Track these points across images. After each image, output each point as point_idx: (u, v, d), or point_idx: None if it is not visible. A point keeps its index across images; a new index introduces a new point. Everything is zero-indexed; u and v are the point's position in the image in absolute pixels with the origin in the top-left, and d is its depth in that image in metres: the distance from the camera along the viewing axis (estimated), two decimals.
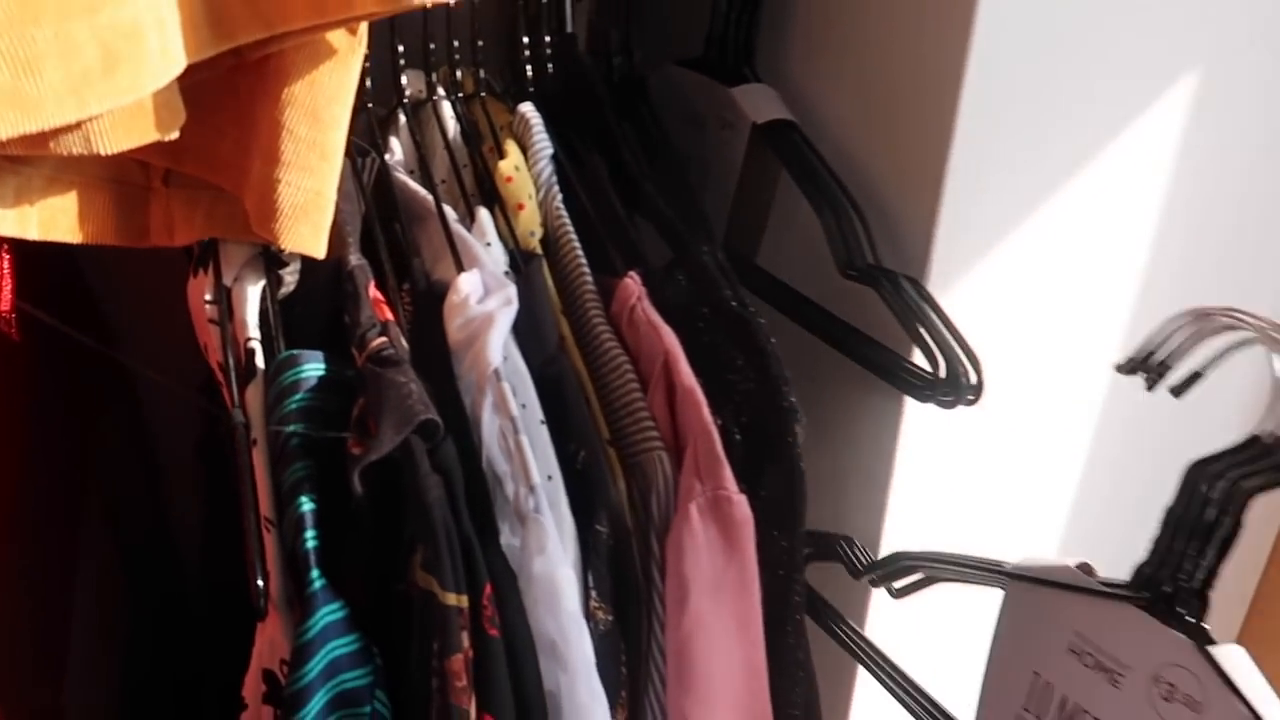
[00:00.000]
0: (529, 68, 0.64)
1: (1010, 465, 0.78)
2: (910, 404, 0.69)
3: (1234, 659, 0.41)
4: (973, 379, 0.60)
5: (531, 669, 0.46)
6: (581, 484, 0.50)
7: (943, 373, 0.60)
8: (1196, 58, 0.70)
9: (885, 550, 0.73)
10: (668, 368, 0.51)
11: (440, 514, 0.43)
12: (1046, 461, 0.80)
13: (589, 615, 0.49)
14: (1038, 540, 0.84)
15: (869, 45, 0.67)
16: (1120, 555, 0.80)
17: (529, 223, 0.58)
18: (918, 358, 0.61)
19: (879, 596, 0.68)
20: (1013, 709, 0.50)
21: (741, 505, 0.49)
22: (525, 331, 0.53)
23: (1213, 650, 0.41)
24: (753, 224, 0.73)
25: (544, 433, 0.50)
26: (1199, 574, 0.42)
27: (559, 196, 0.59)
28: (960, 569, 0.57)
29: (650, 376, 0.52)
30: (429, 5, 0.43)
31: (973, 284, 0.68)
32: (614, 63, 0.67)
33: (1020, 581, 0.49)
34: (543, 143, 0.60)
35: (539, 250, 0.58)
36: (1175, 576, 0.43)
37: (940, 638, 0.76)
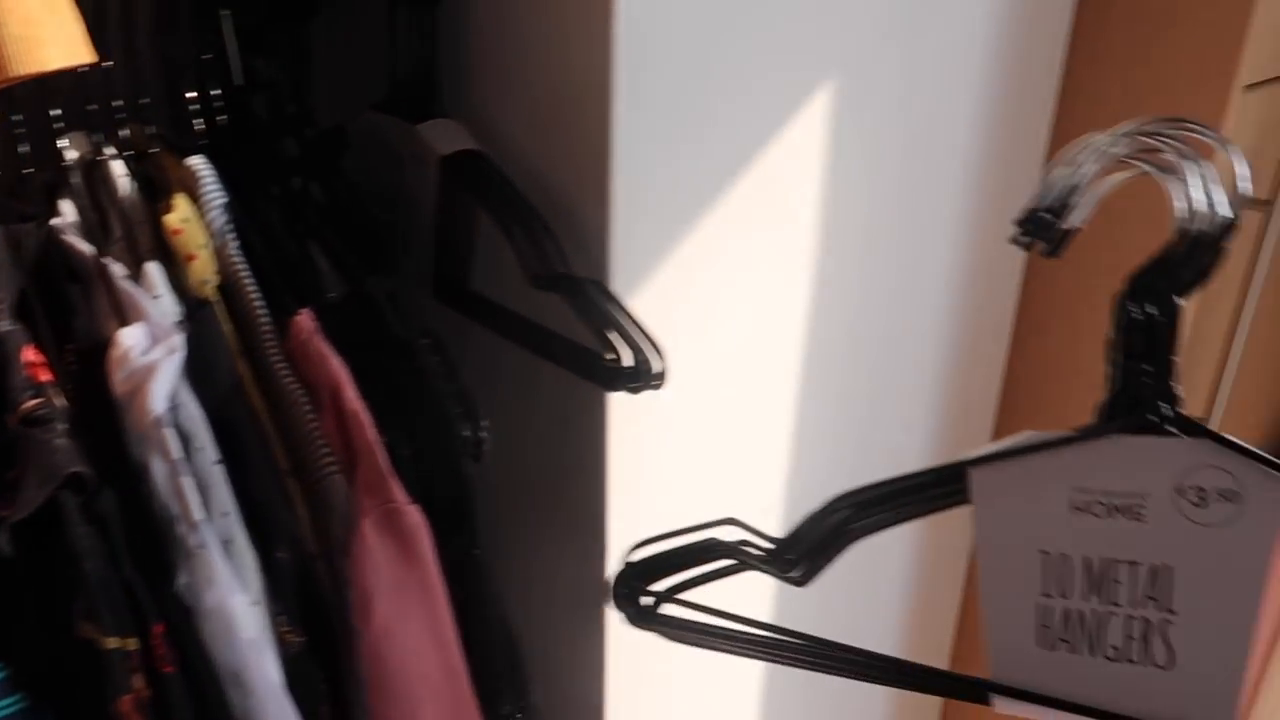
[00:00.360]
0: (199, 121, 0.66)
1: (717, 439, 0.83)
2: (616, 399, 0.74)
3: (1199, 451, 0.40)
4: (655, 366, 0.66)
5: (214, 699, 0.47)
6: (261, 515, 0.52)
7: (628, 362, 0.65)
8: (837, 57, 0.78)
9: (613, 533, 0.78)
10: (335, 394, 0.54)
11: (92, 564, 0.44)
12: (753, 432, 0.86)
13: (280, 639, 0.51)
14: (757, 505, 0.90)
15: (533, 69, 0.72)
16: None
17: (201, 272, 0.59)
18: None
19: None
20: (1030, 604, 0.45)
21: (412, 515, 0.52)
22: (199, 376, 0.55)
23: (1229, 437, 0.40)
24: (460, 250, 0.77)
25: (219, 472, 0.52)
26: (1162, 383, 0.42)
27: (235, 244, 0.61)
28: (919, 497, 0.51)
29: (323, 405, 0.55)
30: (77, 67, 0.44)
31: (654, 278, 0.73)
32: (287, 111, 0.69)
33: (989, 468, 0.45)
34: (214, 193, 0.61)
35: (214, 297, 0.59)
36: (1144, 393, 0.41)
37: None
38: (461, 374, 0.61)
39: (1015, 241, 0.43)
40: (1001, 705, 0.44)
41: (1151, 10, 0.96)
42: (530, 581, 0.89)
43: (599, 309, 0.66)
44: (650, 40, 0.66)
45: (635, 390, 0.65)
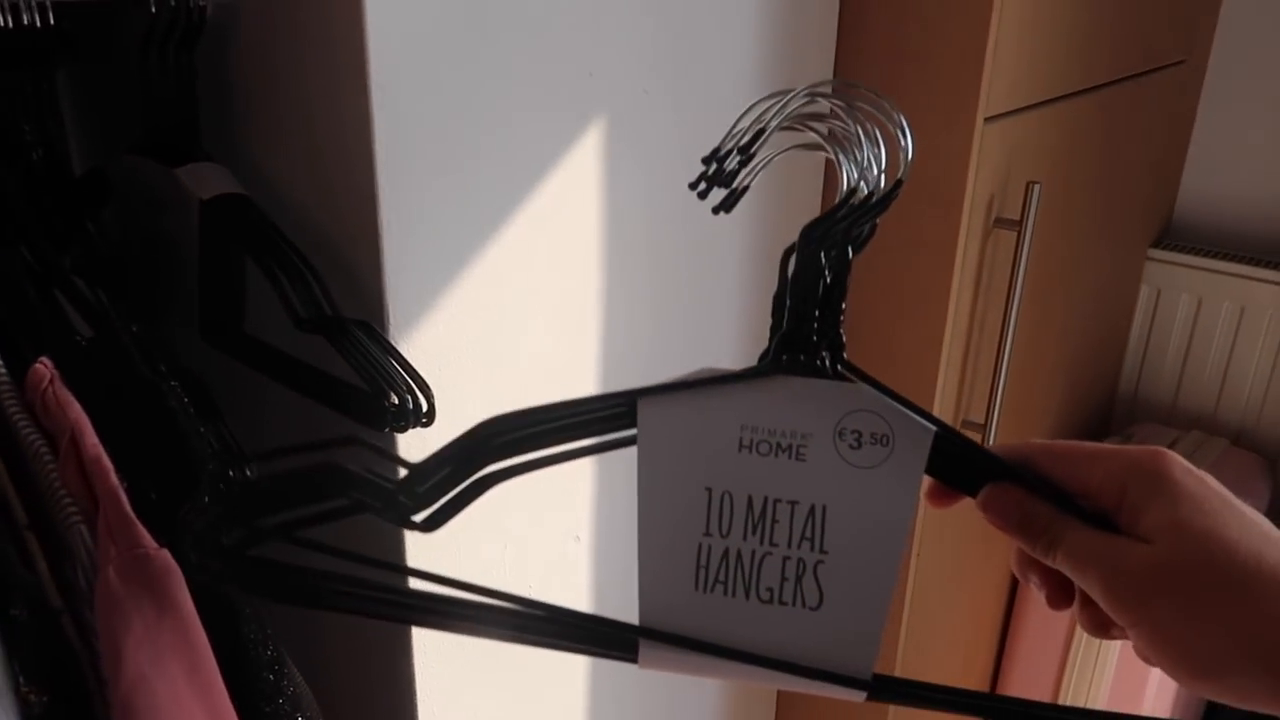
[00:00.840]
0: None
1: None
2: (404, 439, 0.74)
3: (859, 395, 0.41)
4: (421, 404, 0.66)
5: None
6: None
7: (394, 402, 0.65)
8: (602, 93, 0.81)
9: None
10: (74, 440, 0.52)
11: None
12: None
13: (20, 699, 0.49)
14: (564, 529, 0.92)
15: (295, 112, 0.72)
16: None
17: None
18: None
19: None
20: (691, 544, 0.43)
21: (161, 559, 0.51)
22: None
23: (884, 385, 0.41)
24: (228, 292, 0.76)
25: None
26: (830, 329, 0.42)
27: None
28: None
29: (63, 453, 0.53)
30: None
31: (433, 316, 0.74)
32: (35, 156, 0.67)
33: (659, 399, 0.44)
34: None
35: None
36: (812, 337, 0.42)
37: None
38: (222, 415, 0.60)
39: (694, 187, 0.46)
40: (648, 656, 0.44)
41: (902, 49, 1.04)
42: (325, 623, 0.87)
43: (363, 349, 0.66)
44: (406, 83, 0.67)
45: (402, 429, 0.65)
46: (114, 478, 0.51)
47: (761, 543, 0.43)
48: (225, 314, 0.75)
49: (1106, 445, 0.42)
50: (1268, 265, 1.54)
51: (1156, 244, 1.62)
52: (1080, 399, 1.55)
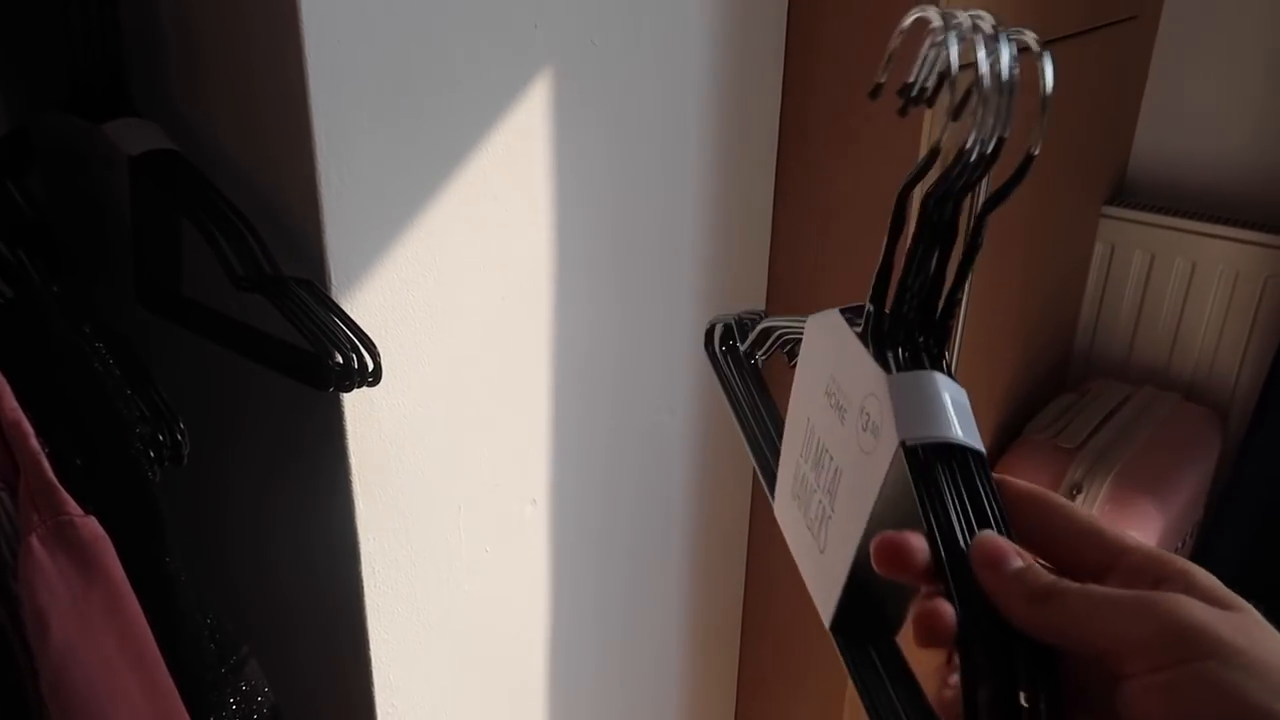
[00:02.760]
0: None
1: (464, 428, 0.83)
2: (349, 399, 0.72)
3: (917, 384, 0.40)
4: (368, 363, 0.64)
5: None
6: None
7: (338, 361, 0.63)
8: (544, 51, 0.79)
9: (366, 540, 0.76)
10: None
11: None
12: (500, 417, 0.86)
13: None
14: (516, 493, 0.90)
15: (227, 65, 0.69)
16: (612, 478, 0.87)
17: None
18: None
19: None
20: (793, 458, 0.49)
21: (88, 525, 0.49)
22: None
23: (898, 376, 0.40)
24: (164, 253, 0.73)
25: None
26: (914, 301, 0.41)
27: None
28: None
29: None
30: None
31: (377, 274, 0.72)
32: None
33: (814, 324, 0.47)
34: None
35: None
36: (899, 308, 0.41)
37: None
38: (152, 378, 0.58)
39: (875, 95, 0.42)
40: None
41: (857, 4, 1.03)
42: (279, 591, 0.85)
43: (305, 308, 0.64)
44: (343, 31, 0.65)
45: (347, 388, 0.63)
46: (34, 442, 0.49)
47: (817, 480, 0.46)
48: (161, 275, 0.73)
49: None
50: (1219, 221, 1.55)
51: (1110, 201, 1.63)
52: (1036, 355, 1.56)
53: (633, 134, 0.90)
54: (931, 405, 0.39)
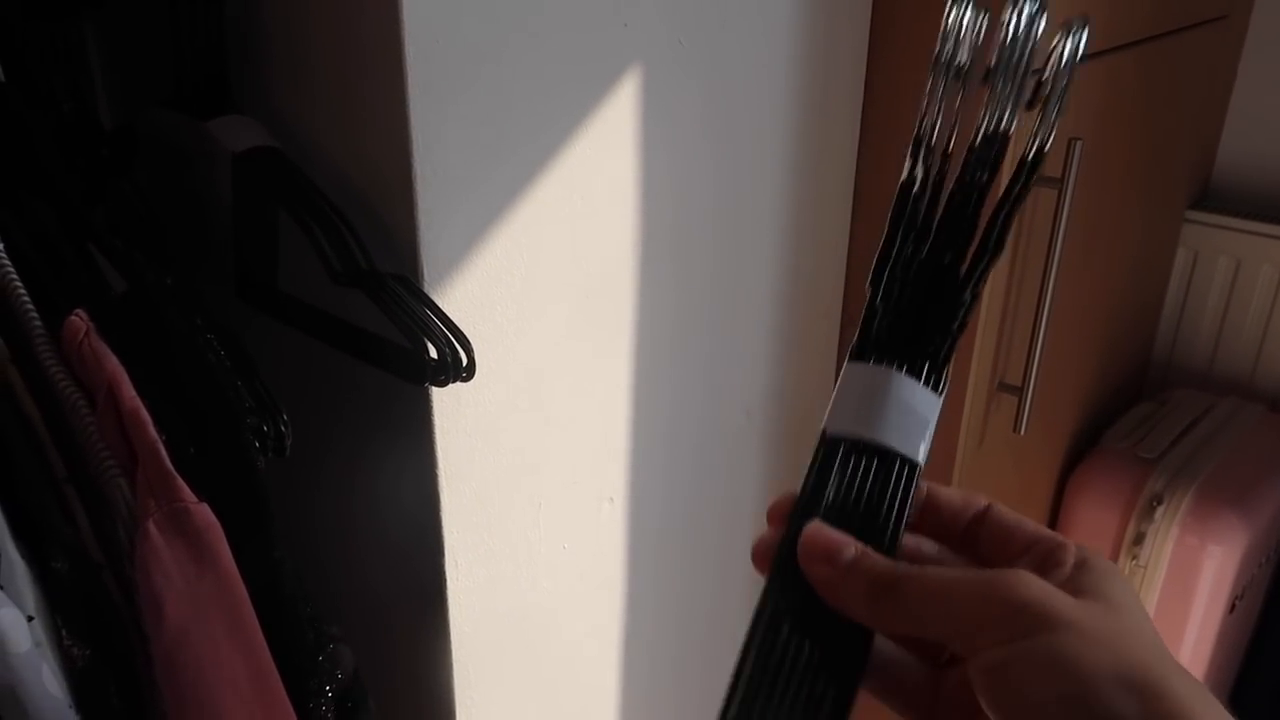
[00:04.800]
0: None
1: (547, 426, 0.83)
2: (438, 394, 0.73)
3: (870, 379, 0.37)
4: (461, 358, 0.65)
5: None
6: (35, 526, 0.49)
7: (434, 356, 0.64)
8: (633, 50, 0.79)
9: (450, 533, 0.77)
10: (112, 394, 0.51)
11: None
12: (583, 417, 0.87)
13: (63, 654, 0.48)
14: (594, 491, 0.91)
15: (331, 65, 0.70)
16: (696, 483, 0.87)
17: None
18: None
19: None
20: None
21: (201, 513, 0.50)
22: None
23: (853, 366, 0.38)
24: (261, 248, 0.74)
25: None
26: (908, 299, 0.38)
27: (0, 246, 0.57)
28: None
29: (100, 406, 0.52)
30: None
31: (468, 272, 0.73)
32: (63, 110, 0.65)
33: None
34: None
35: None
36: (897, 304, 0.39)
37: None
38: (258, 370, 0.59)
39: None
40: None
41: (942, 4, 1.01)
42: (365, 581, 0.87)
43: (401, 303, 0.65)
44: (440, 34, 0.66)
45: (442, 383, 0.64)
46: (152, 431, 0.50)
47: None
48: (259, 270, 0.74)
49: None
50: None
51: (1194, 205, 1.59)
52: (1116, 363, 1.53)
53: (717, 134, 0.90)
54: (871, 404, 0.36)
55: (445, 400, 0.74)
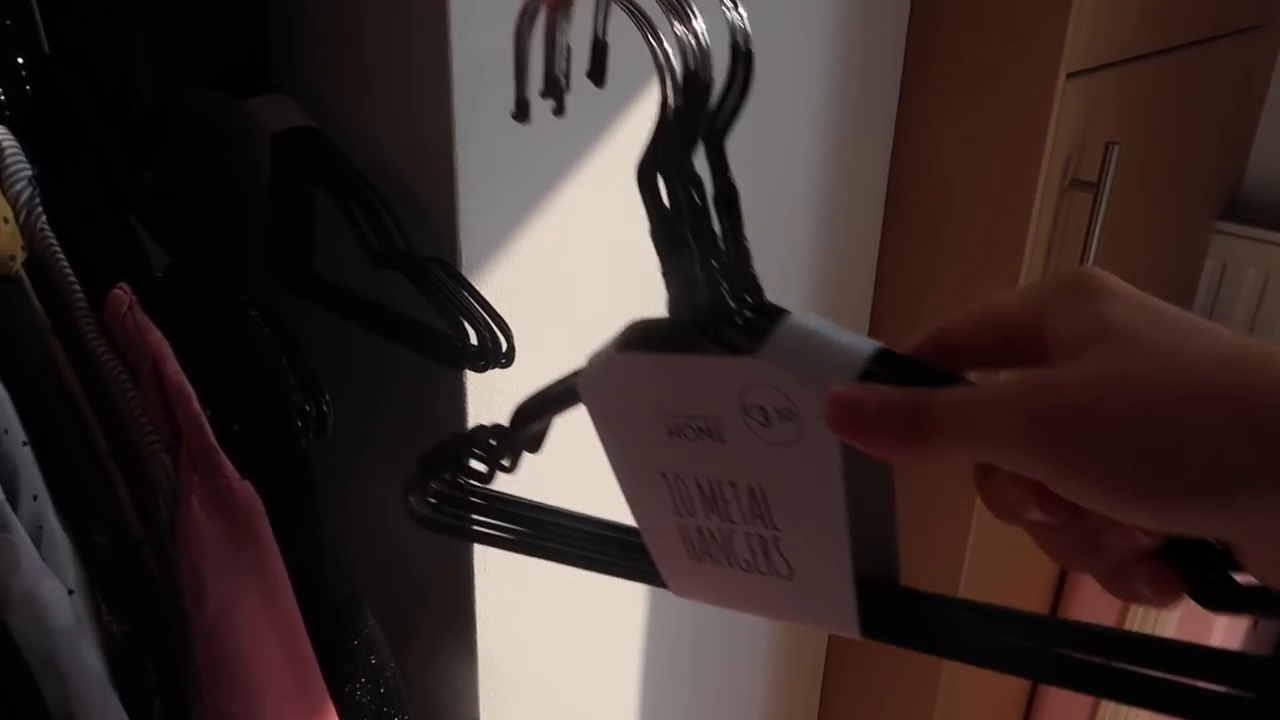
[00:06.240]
0: (1, 91, 0.61)
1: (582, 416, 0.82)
2: (473, 380, 0.72)
3: (790, 338, 0.36)
4: (501, 345, 0.64)
5: (25, 691, 0.44)
6: (75, 498, 0.48)
7: (473, 341, 0.63)
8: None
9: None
10: (156, 368, 0.50)
11: None
12: None
13: (102, 628, 0.48)
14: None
15: (368, 43, 0.70)
16: None
17: (7, 246, 0.55)
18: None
19: None
20: (670, 522, 0.42)
21: (244, 490, 0.49)
22: (5, 356, 0.51)
23: (767, 349, 0.35)
24: (297, 229, 0.74)
25: (27, 454, 0.48)
26: (714, 289, 0.38)
27: (43, 217, 0.57)
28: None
29: (144, 380, 0.51)
30: None
31: (506, 257, 0.72)
32: (106, 84, 0.65)
33: (589, 388, 0.42)
34: (18, 164, 0.57)
35: (22, 273, 0.55)
36: (700, 304, 0.38)
37: None
38: (299, 348, 0.58)
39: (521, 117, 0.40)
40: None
41: (983, 4, 1.01)
42: (391, 575, 0.86)
43: (443, 287, 0.64)
44: (484, 16, 0.65)
45: (481, 369, 0.63)
46: (197, 406, 0.49)
47: (723, 520, 0.40)
48: (295, 251, 0.74)
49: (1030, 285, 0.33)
50: None
51: (1223, 216, 1.58)
52: None
53: (755, 127, 0.89)
54: (822, 341, 0.35)
55: (480, 388, 0.73)
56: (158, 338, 0.52)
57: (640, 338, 0.40)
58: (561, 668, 0.90)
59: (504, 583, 0.80)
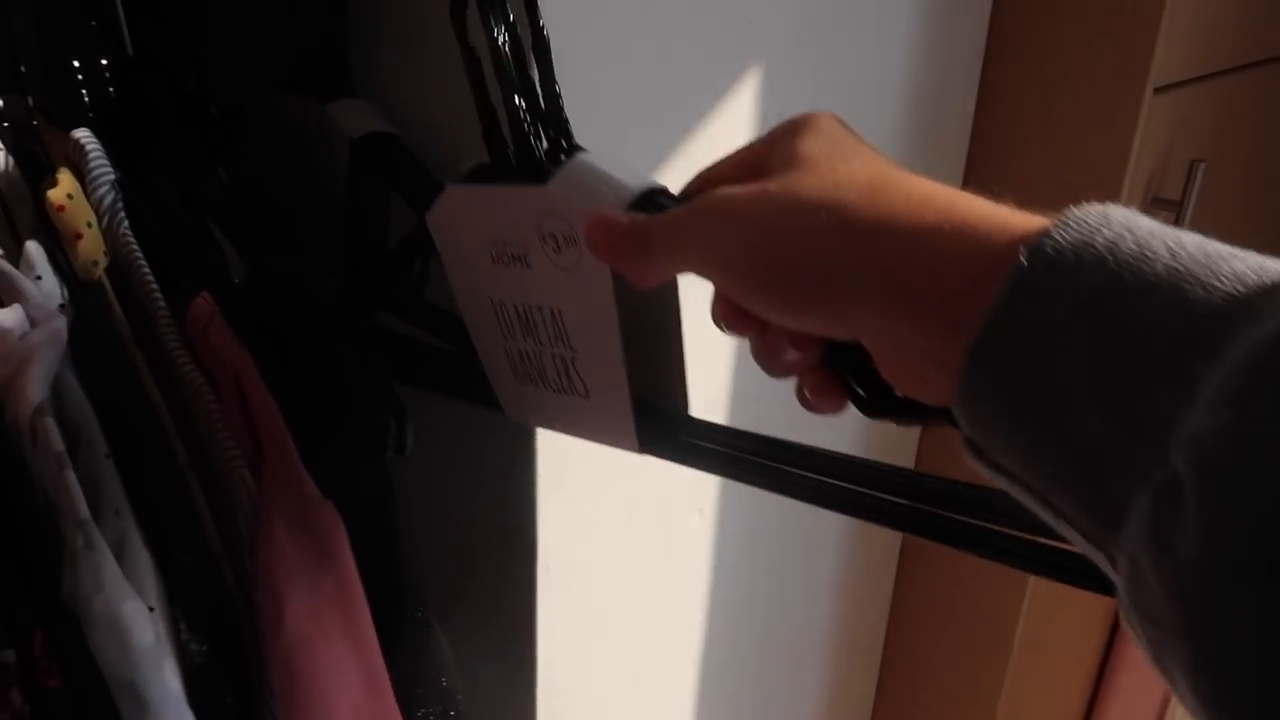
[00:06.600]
0: (85, 92, 0.61)
1: None
2: None
3: (576, 171, 0.41)
4: None
5: (105, 714, 0.43)
6: (157, 514, 0.47)
7: None
8: (753, 45, 0.77)
9: (544, 536, 0.75)
10: (239, 381, 0.49)
11: None
12: None
13: (180, 648, 0.47)
14: (693, 509, 0.88)
15: (446, 46, 0.68)
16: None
17: (90, 252, 0.54)
18: None
19: None
20: (497, 346, 0.49)
21: (326, 510, 0.48)
22: (86, 363, 0.50)
23: (557, 177, 0.41)
24: (376, 238, 0.73)
25: (109, 467, 0.47)
26: (531, 120, 0.43)
27: (125, 222, 0.56)
28: None
29: (225, 394, 0.50)
30: None
31: None
32: (186, 85, 0.64)
33: (432, 222, 0.48)
34: (101, 168, 0.56)
35: (104, 279, 0.54)
36: (503, 136, 0.43)
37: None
38: (381, 362, 0.57)
39: None
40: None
41: (1066, 8, 0.98)
42: (454, 576, 0.85)
43: None
44: (566, 25, 0.63)
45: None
46: (281, 422, 0.48)
47: (536, 343, 0.46)
48: (371, 258, 0.72)
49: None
50: None
51: None
52: None
53: None
54: (604, 176, 0.40)
55: None
56: (240, 351, 0.50)
57: (470, 172, 0.46)
58: (620, 688, 0.88)
59: (564, 596, 0.79)
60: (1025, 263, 0.26)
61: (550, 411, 0.49)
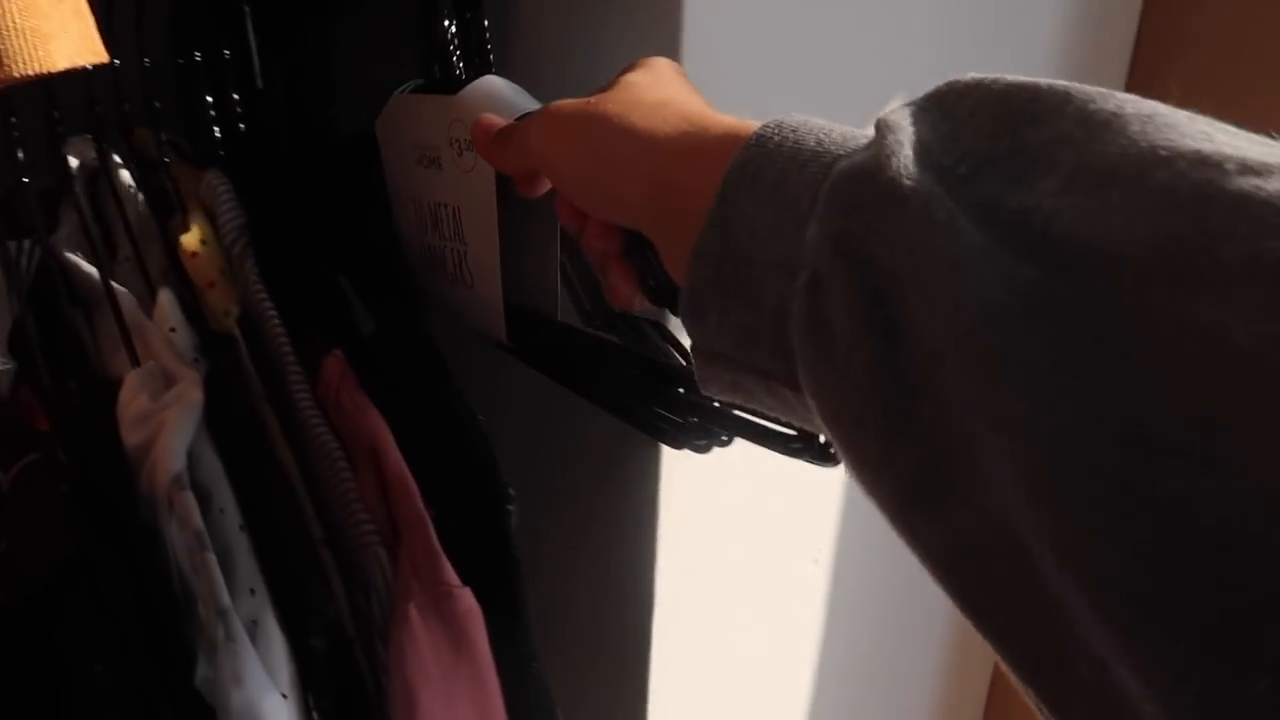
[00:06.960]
0: (216, 128, 0.58)
1: (768, 492, 0.77)
2: (668, 452, 0.68)
3: (483, 86, 0.48)
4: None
5: None
6: (293, 594, 0.45)
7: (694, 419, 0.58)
8: (899, 63, 0.72)
9: (662, 589, 0.72)
10: (376, 454, 0.47)
11: (102, 666, 0.37)
12: (791, 465, 0.80)
13: None
14: (808, 558, 0.85)
15: (591, 50, 0.65)
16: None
17: (222, 301, 0.52)
18: None
19: None
20: (415, 241, 0.56)
21: (464, 599, 0.45)
22: (220, 427, 0.48)
23: (465, 89, 0.48)
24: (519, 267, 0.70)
25: (244, 540, 0.45)
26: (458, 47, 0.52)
27: (255, 270, 0.54)
28: None
29: (360, 464, 0.48)
30: (85, 65, 0.38)
31: None
32: (314, 119, 0.62)
33: (379, 128, 0.56)
34: (231, 211, 0.54)
35: (235, 331, 0.52)
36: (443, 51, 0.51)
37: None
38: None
39: None
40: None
41: (1215, 35, 0.91)
42: (572, 625, 0.82)
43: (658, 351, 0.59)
44: (713, 48, 0.59)
45: (703, 449, 0.58)
46: (420, 503, 0.46)
47: (441, 239, 0.53)
48: (540, 291, 0.69)
49: None
50: None
51: None
52: None
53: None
54: (504, 95, 0.48)
55: (673, 452, 0.68)
56: (377, 418, 0.48)
57: (412, 89, 0.53)
58: None
59: (679, 641, 0.76)
60: (729, 165, 0.30)
61: (453, 302, 0.55)
